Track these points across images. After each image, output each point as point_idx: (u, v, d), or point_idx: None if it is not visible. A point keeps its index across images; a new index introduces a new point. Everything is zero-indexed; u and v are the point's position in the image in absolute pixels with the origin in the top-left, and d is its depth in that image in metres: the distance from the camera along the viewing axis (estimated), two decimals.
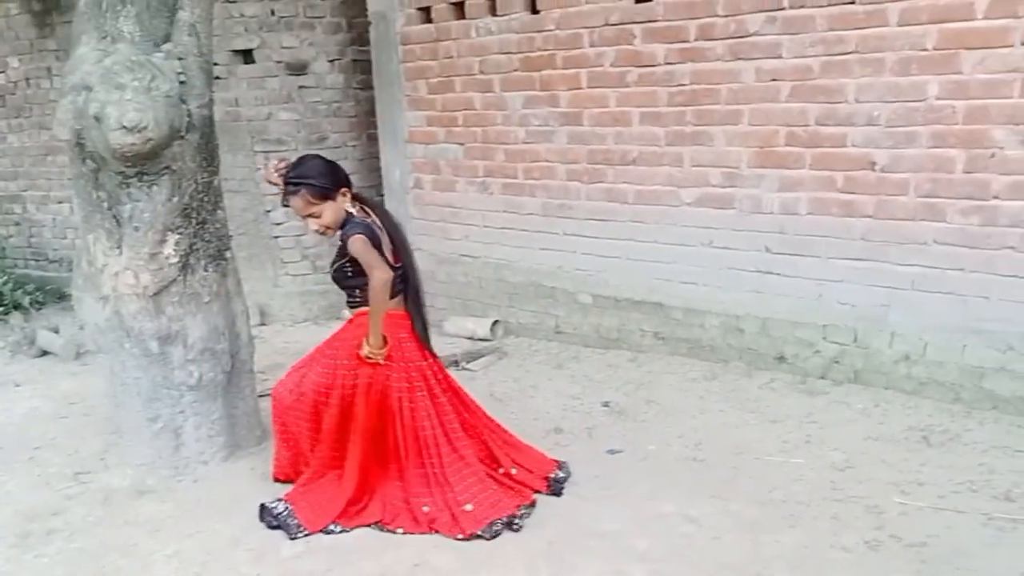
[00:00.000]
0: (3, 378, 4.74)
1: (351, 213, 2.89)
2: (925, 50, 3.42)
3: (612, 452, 3.39)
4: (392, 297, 2.89)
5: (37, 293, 6.38)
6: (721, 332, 4.26)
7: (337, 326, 3.18)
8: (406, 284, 2.97)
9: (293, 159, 2.95)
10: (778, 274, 4.02)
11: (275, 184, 2.94)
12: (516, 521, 2.83)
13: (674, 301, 4.38)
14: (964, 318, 3.54)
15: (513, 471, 3.06)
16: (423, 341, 3.01)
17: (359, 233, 2.80)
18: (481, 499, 2.86)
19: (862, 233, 3.74)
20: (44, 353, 5.12)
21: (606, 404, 3.88)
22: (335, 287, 3.04)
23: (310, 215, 2.86)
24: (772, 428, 3.53)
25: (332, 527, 2.85)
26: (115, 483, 3.29)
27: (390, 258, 2.89)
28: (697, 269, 4.27)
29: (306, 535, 2.82)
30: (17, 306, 6.17)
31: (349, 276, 2.90)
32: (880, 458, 3.19)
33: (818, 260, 3.89)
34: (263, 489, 3.16)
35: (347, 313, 3.07)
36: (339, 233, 2.88)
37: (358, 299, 2.94)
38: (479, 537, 2.76)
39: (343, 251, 2.87)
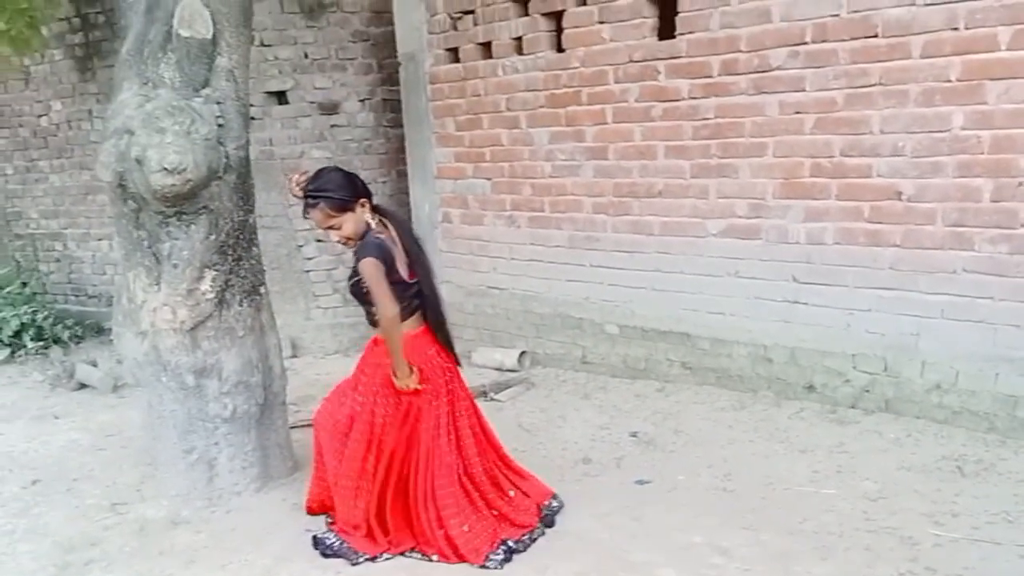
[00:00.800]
0: (43, 411, 4.86)
1: (370, 225, 2.89)
2: (949, 81, 3.44)
3: (641, 483, 3.39)
4: (410, 315, 2.89)
5: (76, 328, 6.56)
6: (749, 362, 4.26)
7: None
8: (423, 299, 2.94)
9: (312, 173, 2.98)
10: (806, 303, 4.02)
11: (298, 197, 2.98)
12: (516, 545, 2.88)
13: (701, 331, 4.39)
14: (995, 346, 3.52)
15: (511, 493, 3.07)
16: (449, 350, 3.01)
17: (371, 256, 2.78)
18: (476, 525, 2.91)
19: (890, 262, 3.74)
20: (83, 386, 5.25)
21: (634, 434, 3.89)
22: (364, 319, 3.04)
23: (330, 227, 2.88)
24: (802, 458, 3.52)
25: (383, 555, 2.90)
26: (151, 514, 3.35)
27: (404, 274, 2.87)
28: (724, 299, 4.29)
29: (368, 559, 2.87)
30: (57, 340, 6.35)
31: (365, 292, 2.88)
32: (913, 488, 3.17)
33: (846, 289, 3.89)
34: (295, 520, 3.21)
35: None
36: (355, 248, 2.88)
37: (376, 317, 2.92)
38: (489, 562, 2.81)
39: (356, 269, 2.87)
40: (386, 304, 2.77)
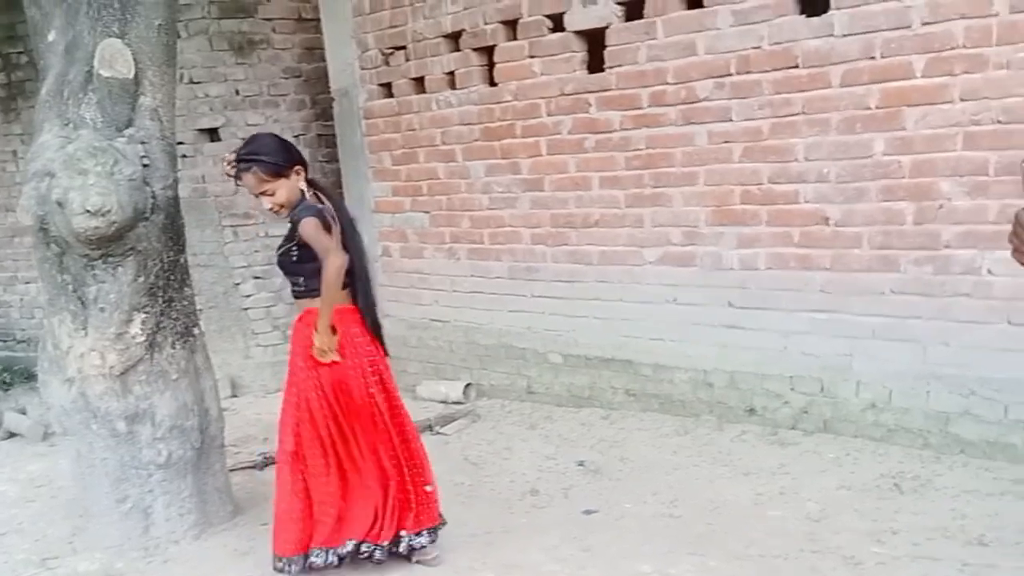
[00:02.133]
0: None
1: (304, 195, 2.86)
2: (868, 109, 3.56)
3: (588, 512, 3.38)
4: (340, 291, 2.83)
5: (4, 374, 6.31)
6: (691, 387, 4.31)
7: None
8: (353, 278, 2.87)
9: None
10: (743, 328, 4.09)
11: (230, 176, 2.90)
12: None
13: (643, 357, 4.43)
14: (926, 365, 3.62)
15: (428, 488, 3.02)
16: (376, 336, 2.94)
17: (311, 216, 2.75)
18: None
19: (821, 285, 3.83)
20: (11, 435, 5.05)
21: (581, 463, 3.89)
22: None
23: (263, 193, 2.81)
24: (746, 481, 3.55)
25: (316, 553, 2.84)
26: (83, 568, 3.22)
27: None
28: (664, 325, 4.33)
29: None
30: None
31: (295, 261, 2.83)
32: (854, 507, 3.22)
33: (781, 313, 3.96)
34: (237, 566, 3.12)
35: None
36: (290, 215, 2.84)
37: (303, 288, 2.87)
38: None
39: (292, 234, 2.82)
40: (336, 252, 2.74)
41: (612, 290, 4.48)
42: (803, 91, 3.70)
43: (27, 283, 6.62)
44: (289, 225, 2.86)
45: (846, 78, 3.58)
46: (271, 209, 2.85)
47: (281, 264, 2.93)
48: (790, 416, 4.02)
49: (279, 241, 2.96)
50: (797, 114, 3.74)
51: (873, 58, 3.50)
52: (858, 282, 3.72)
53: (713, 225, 4.09)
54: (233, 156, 2.90)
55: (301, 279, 2.86)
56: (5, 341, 6.87)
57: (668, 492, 3.51)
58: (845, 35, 3.55)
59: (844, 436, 3.84)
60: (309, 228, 2.74)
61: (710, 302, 4.16)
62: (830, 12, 3.58)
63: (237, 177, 2.87)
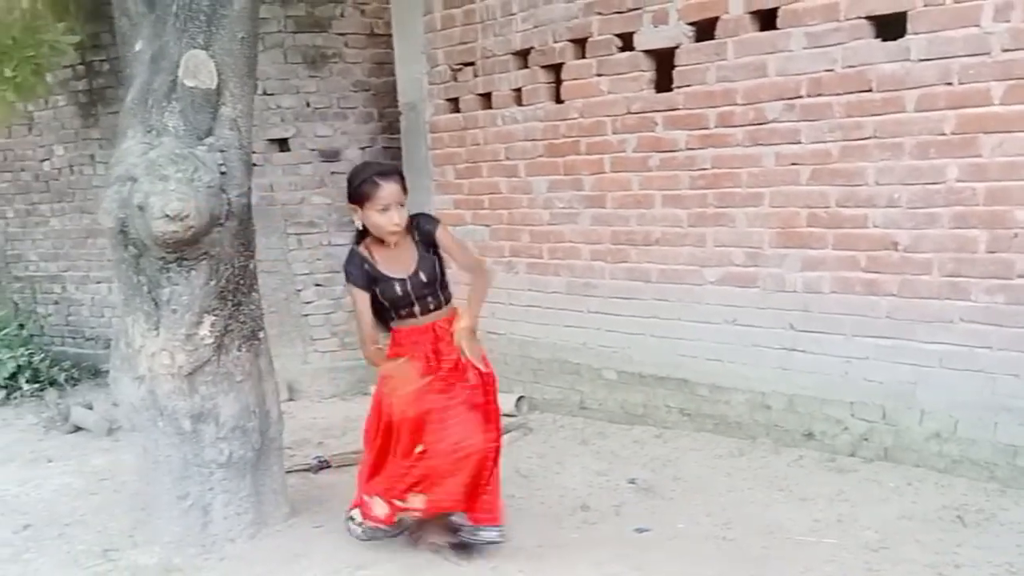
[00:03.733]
0: (36, 454, 4.83)
1: None
2: (943, 134, 3.49)
3: (640, 531, 3.36)
4: None
5: (73, 370, 6.53)
6: (747, 409, 4.25)
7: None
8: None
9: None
10: (803, 351, 4.03)
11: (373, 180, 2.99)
12: None
13: (699, 377, 4.39)
14: (994, 395, 3.51)
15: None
16: None
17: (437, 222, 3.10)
18: None
19: (887, 311, 3.75)
20: (77, 429, 5.22)
21: (633, 481, 3.86)
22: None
23: (398, 205, 2.96)
24: (802, 506, 3.49)
25: None
26: (143, 561, 3.31)
27: None
28: (722, 346, 4.29)
29: None
30: (53, 382, 6.32)
31: (442, 273, 3.09)
32: (915, 538, 3.13)
33: (843, 338, 3.89)
34: (290, 569, 3.17)
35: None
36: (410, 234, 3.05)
37: (440, 300, 3.10)
38: None
39: (430, 246, 3.04)
40: (474, 254, 3.10)
41: (670, 308, 4.45)
42: (876, 115, 3.64)
43: (98, 283, 6.85)
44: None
45: (921, 103, 3.52)
46: (396, 227, 2.97)
47: (433, 281, 3.05)
48: (850, 443, 3.94)
49: (342, 251, 3.12)
50: (868, 138, 3.69)
51: (950, 84, 3.44)
52: (926, 309, 3.64)
53: (777, 247, 4.05)
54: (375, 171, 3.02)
55: (439, 290, 3.08)
56: (75, 338, 7.12)
57: (722, 514, 3.47)
58: (921, 60, 3.49)
59: (905, 465, 3.74)
60: (446, 233, 3.08)
61: (771, 324, 4.11)
62: (907, 36, 3.52)
63: (382, 182, 2.94)
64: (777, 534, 3.25)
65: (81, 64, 6.36)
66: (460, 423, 2.98)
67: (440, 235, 3.08)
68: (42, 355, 6.42)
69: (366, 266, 3.02)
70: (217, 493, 3.34)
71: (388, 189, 2.94)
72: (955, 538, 3.12)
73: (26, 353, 6.35)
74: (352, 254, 3.07)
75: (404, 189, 3.01)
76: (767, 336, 4.13)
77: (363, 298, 3.03)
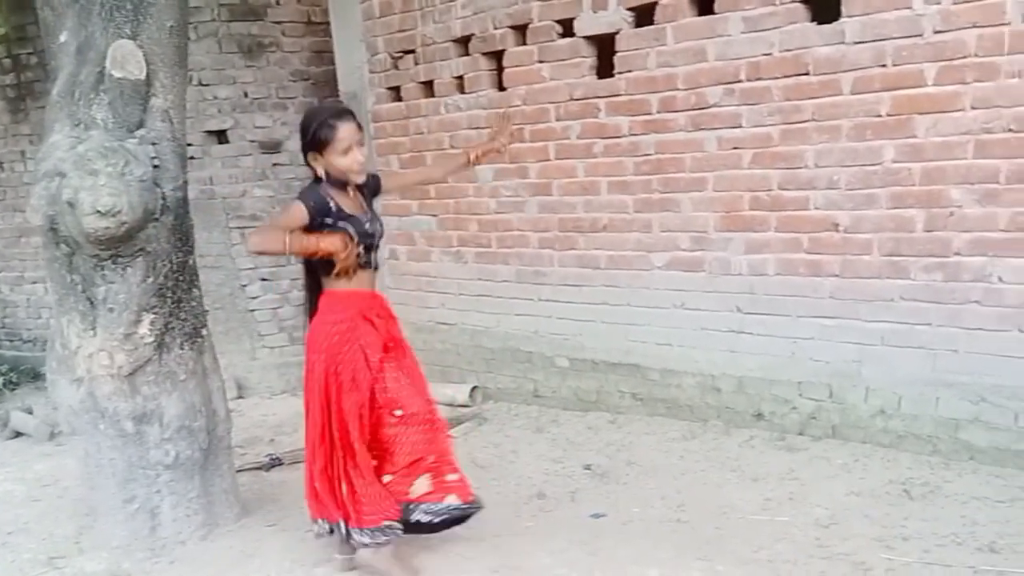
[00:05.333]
0: None
1: None
2: (879, 116, 3.55)
3: (596, 516, 3.37)
4: None
5: (11, 374, 6.33)
6: (698, 391, 4.30)
7: None
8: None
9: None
10: (751, 333, 4.08)
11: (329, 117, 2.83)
12: None
13: (650, 362, 4.42)
14: (935, 371, 3.60)
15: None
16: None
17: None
18: None
19: (830, 291, 3.82)
20: (18, 434, 5.06)
21: (588, 467, 3.88)
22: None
23: (359, 142, 2.84)
24: (754, 486, 3.54)
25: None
26: (90, 568, 3.22)
27: None
28: (671, 330, 4.33)
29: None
30: None
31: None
32: (864, 513, 3.20)
33: (789, 319, 3.95)
34: (243, 569, 3.11)
35: None
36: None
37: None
38: None
39: (372, 202, 2.95)
40: None
41: (620, 295, 4.47)
42: (813, 98, 3.69)
43: (34, 283, 6.64)
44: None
45: (857, 85, 3.58)
46: (361, 164, 2.83)
47: (379, 234, 2.95)
48: (798, 422, 4.01)
49: None
50: (807, 121, 3.73)
51: (884, 66, 3.50)
52: (867, 288, 3.71)
53: (722, 231, 4.08)
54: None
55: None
56: (12, 341, 6.89)
57: (676, 497, 3.50)
58: (856, 43, 3.54)
59: (853, 442, 3.83)
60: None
61: (718, 307, 4.15)
62: (841, 20, 3.57)
63: (341, 122, 2.79)
64: (730, 514, 3.30)
65: (7, 58, 6.14)
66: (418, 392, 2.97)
67: (384, 183, 3.10)
68: None
69: (330, 203, 2.78)
70: (165, 495, 3.26)
71: (346, 129, 2.78)
72: (902, 511, 3.20)
73: None
74: (313, 187, 2.81)
75: (359, 127, 2.86)
76: (715, 319, 4.18)
77: (300, 208, 2.73)
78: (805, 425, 3.99)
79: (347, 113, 2.85)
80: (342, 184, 2.85)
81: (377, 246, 2.95)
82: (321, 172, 2.82)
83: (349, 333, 2.83)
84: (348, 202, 2.86)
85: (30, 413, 5.17)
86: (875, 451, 3.73)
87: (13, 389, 6.19)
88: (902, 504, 3.26)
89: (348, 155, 2.79)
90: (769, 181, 3.90)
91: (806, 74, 3.70)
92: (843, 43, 3.58)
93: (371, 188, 3.02)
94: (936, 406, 3.62)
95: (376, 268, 2.97)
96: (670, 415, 4.40)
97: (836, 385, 3.87)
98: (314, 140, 2.78)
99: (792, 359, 3.97)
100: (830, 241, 3.78)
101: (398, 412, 2.90)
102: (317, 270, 2.88)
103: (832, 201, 3.74)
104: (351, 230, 2.79)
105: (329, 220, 2.78)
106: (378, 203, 2.99)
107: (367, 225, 2.87)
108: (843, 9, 3.56)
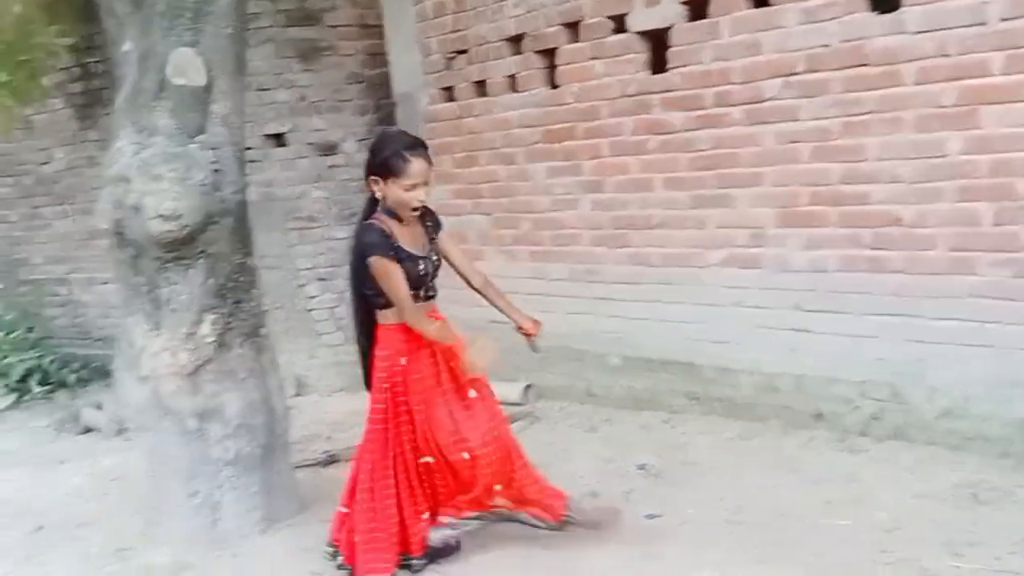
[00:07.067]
0: (48, 456, 4.85)
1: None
2: (943, 107, 3.44)
3: (651, 517, 3.34)
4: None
5: (82, 371, 6.56)
6: (756, 391, 4.22)
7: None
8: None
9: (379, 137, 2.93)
10: (811, 331, 3.99)
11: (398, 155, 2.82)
12: None
13: (706, 361, 4.36)
14: (1006, 371, 3.46)
15: None
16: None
17: None
18: None
19: (894, 289, 3.71)
20: (88, 430, 5.25)
21: (642, 467, 3.85)
22: None
23: (427, 181, 2.84)
24: (814, 488, 3.46)
25: None
26: (155, 560, 3.32)
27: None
28: (728, 328, 4.26)
29: None
30: (63, 384, 6.37)
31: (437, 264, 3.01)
32: (929, 518, 3.10)
33: (851, 316, 3.86)
34: (302, 562, 3.18)
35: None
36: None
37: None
38: None
39: (433, 237, 2.99)
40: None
41: (674, 292, 4.42)
42: (875, 89, 3.59)
43: (104, 284, 6.85)
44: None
45: (920, 76, 3.47)
46: (422, 203, 2.85)
47: (436, 268, 3.00)
48: (860, 422, 3.91)
49: (343, 244, 3.03)
50: (868, 113, 3.64)
51: (948, 55, 3.39)
52: (933, 285, 3.60)
53: (780, 227, 4.01)
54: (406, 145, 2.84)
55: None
56: (83, 340, 7.14)
57: (733, 498, 3.44)
58: (918, 32, 3.44)
59: (917, 444, 3.71)
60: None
61: (776, 305, 4.08)
62: (902, 9, 3.47)
63: (412, 156, 2.78)
64: (789, 516, 3.23)
65: (76, 66, 6.35)
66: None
67: (444, 235, 3.08)
68: (51, 357, 6.47)
69: (392, 241, 2.81)
70: (226, 490, 3.36)
71: (418, 167, 2.76)
72: (970, 516, 3.09)
73: (36, 356, 6.40)
74: (371, 227, 2.83)
75: (430, 164, 2.84)
76: (773, 317, 4.10)
77: (397, 270, 2.79)
78: (867, 426, 3.89)
79: (423, 148, 2.83)
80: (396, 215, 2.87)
81: (434, 276, 2.99)
82: (379, 195, 2.85)
83: (409, 367, 2.89)
84: (407, 235, 2.90)
85: (100, 409, 5.36)
86: (941, 453, 3.61)
87: (84, 386, 6.42)
88: (970, 509, 3.15)
89: (411, 192, 2.80)
90: (829, 175, 3.81)
91: (866, 65, 3.61)
92: (904, 32, 3.48)
93: (434, 220, 3.04)
94: (1007, 407, 3.49)
95: (434, 296, 3.02)
96: (726, 415, 4.33)
97: (900, 385, 3.76)
98: (383, 166, 2.80)
99: (854, 358, 3.88)
100: (893, 236, 3.67)
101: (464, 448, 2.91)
102: (370, 301, 2.93)
103: (895, 195, 3.63)
104: (419, 268, 2.90)
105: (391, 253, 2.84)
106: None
107: (421, 266, 2.91)
108: None
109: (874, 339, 3.80)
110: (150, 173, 2.97)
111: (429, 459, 2.89)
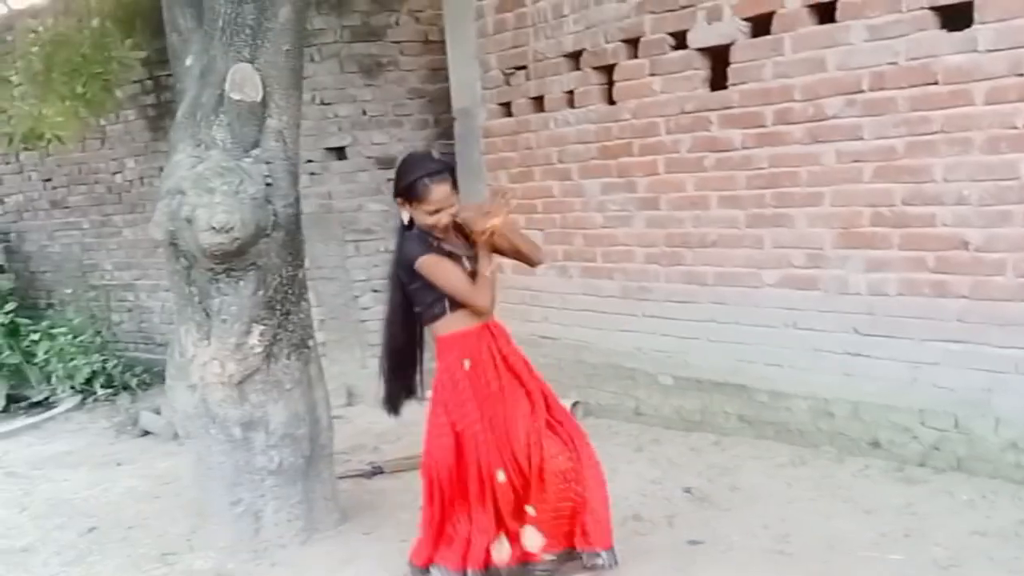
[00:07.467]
0: (106, 457, 5.00)
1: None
2: (1016, 128, 3.30)
3: (693, 543, 3.26)
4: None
5: (144, 375, 6.75)
6: (810, 415, 4.10)
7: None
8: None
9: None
10: (868, 356, 3.87)
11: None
12: None
13: (759, 383, 4.26)
14: None
15: None
16: None
17: None
18: None
19: (958, 314, 3.57)
20: (146, 433, 5.39)
21: (688, 490, 3.77)
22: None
23: (449, 207, 2.76)
24: (867, 519, 3.34)
25: None
26: (198, 565, 3.38)
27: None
28: (782, 350, 4.15)
29: None
30: (126, 387, 6.55)
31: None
32: (988, 555, 2.96)
33: (912, 342, 3.72)
34: (338, 574, 3.21)
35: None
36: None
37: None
38: None
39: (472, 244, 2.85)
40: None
41: (728, 312, 4.34)
42: (943, 108, 3.47)
43: (167, 290, 7.01)
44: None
45: (991, 95, 3.34)
46: (444, 227, 2.79)
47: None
48: (919, 452, 3.76)
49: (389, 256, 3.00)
50: (935, 133, 3.52)
51: (1021, 75, 3.25)
52: (1000, 311, 3.45)
53: (839, 248, 3.90)
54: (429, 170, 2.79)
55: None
56: (147, 344, 7.35)
57: (780, 526, 3.34)
58: (990, 51, 3.32)
59: (980, 476, 3.55)
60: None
61: (834, 328, 3.96)
62: (974, 27, 3.35)
63: (430, 184, 2.74)
64: (838, 548, 3.12)
65: (149, 79, 6.56)
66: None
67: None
68: (116, 361, 6.66)
69: (432, 240, 2.79)
70: (268, 500, 3.40)
71: (439, 193, 2.73)
72: None
73: (101, 359, 6.61)
74: (409, 236, 2.82)
75: (455, 186, 2.80)
76: (830, 340, 3.98)
77: (447, 261, 2.77)
78: (926, 456, 3.74)
79: (445, 173, 2.79)
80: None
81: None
82: (404, 217, 2.85)
83: (474, 372, 2.84)
84: (447, 239, 2.86)
85: (158, 413, 5.50)
86: (1004, 487, 3.44)
87: (146, 389, 6.60)
88: None
89: (434, 216, 2.77)
90: (892, 196, 3.69)
91: (935, 84, 3.49)
92: (975, 51, 3.36)
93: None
94: None
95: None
96: (778, 439, 4.21)
97: (962, 414, 3.61)
98: (407, 190, 2.79)
99: (914, 385, 3.74)
100: (959, 260, 3.53)
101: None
102: (423, 318, 2.89)
103: (962, 218, 3.50)
104: (465, 266, 2.82)
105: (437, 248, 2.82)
106: None
107: (467, 264, 2.86)
108: (976, 16, 3.35)
109: (935, 366, 3.66)
110: (204, 186, 3.04)
111: (500, 473, 2.82)
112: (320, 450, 3.54)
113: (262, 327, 3.26)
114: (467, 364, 2.84)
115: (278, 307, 3.31)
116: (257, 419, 3.31)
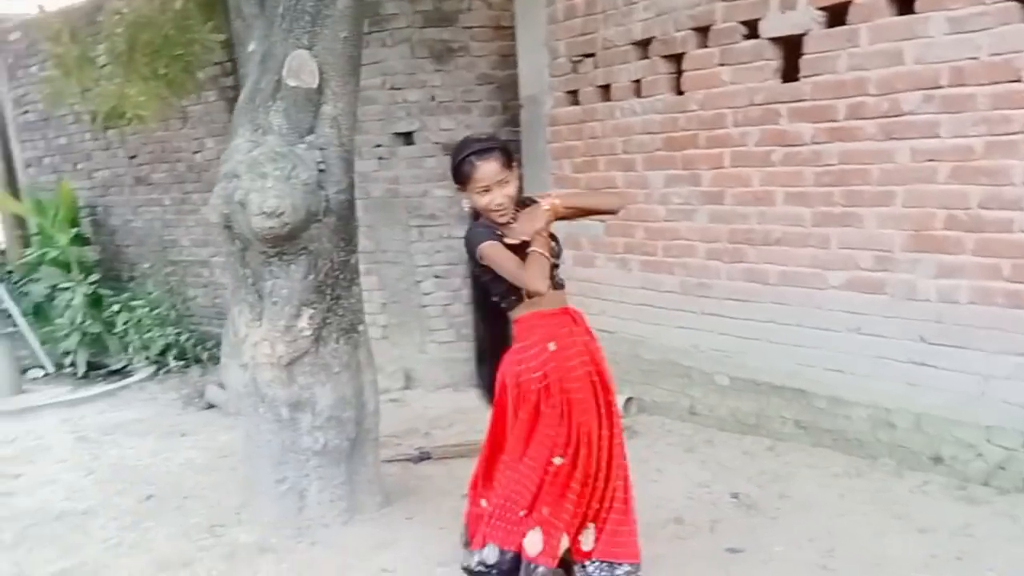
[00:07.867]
0: (172, 428, 5.18)
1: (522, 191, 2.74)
2: None
3: (733, 551, 3.19)
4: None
5: (215, 349, 6.94)
6: (869, 425, 3.95)
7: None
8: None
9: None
10: (934, 366, 3.69)
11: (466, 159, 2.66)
12: None
13: (818, 388, 4.12)
14: None
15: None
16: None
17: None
18: None
19: None
20: (211, 406, 5.56)
21: (735, 496, 3.68)
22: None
23: (500, 182, 2.63)
24: (919, 538, 3.20)
25: None
26: (243, 539, 3.48)
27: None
28: (844, 356, 4.00)
29: None
30: (197, 360, 6.78)
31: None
32: None
33: (981, 354, 3.54)
34: (378, 556, 3.25)
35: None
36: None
37: (563, 282, 2.83)
38: None
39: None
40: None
41: (789, 313, 4.20)
42: None
43: None
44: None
45: None
46: (500, 205, 2.66)
47: (556, 253, 2.78)
48: (983, 471, 3.57)
49: (460, 243, 2.88)
50: (1017, 133, 3.32)
51: None
52: None
53: (909, 251, 3.73)
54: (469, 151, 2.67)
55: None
56: (220, 319, 7.57)
57: (827, 539, 3.23)
58: None
59: None
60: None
61: (899, 335, 3.80)
62: None
63: (475, 161, 2.64)
64: (885, 567, 3.00)
65: (228, 61, 6.69)
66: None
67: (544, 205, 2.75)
68: (189, 334, 6.90)
69: (497, 232, 2.66)
70: (312, 479, 3.47)
71: (485, 170, 2.61)
72: None
73: (175, 332, 6.86)
74: (474, 226, 2.72)
75: (507, 164, 2.65)
76: (894, 348, 3.82)
77: (504, 249, 2.62)
78: (991, 475, 3.55)
79: (494, 151, 2.66)
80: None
81: (556, 265, 2.79)
82: (466, 206, 2.76)
83: (559, 353, 2.76)
84: (513, 230, 2.71)
85: (223, 388, 5.67)
86: None
87: (216, 363, 6.80)
88: None
89: (485, 196, 2.65)
90: (968, 199, 3.51)
91: (1017, 81, 3.30)
92: None
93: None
94: None
95: (562, 286, 2.86)
96: (835, 448, 4.07)
97: None
98: (456, 175, 2.70)
99: (981, 399, 3.55)
100: None
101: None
102: (502, 306, 2.80)
103: None
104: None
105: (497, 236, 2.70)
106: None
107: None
108: None
109: (1007, 380, 3.48)
110: (257, 171, 3.09)
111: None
112: (365, 434, 3.59)
113: (312, 310, 3.31)
114: (552, 346, 2.76)
115: (328, 291, 3.36)
116: (304, 400, 3.38)
